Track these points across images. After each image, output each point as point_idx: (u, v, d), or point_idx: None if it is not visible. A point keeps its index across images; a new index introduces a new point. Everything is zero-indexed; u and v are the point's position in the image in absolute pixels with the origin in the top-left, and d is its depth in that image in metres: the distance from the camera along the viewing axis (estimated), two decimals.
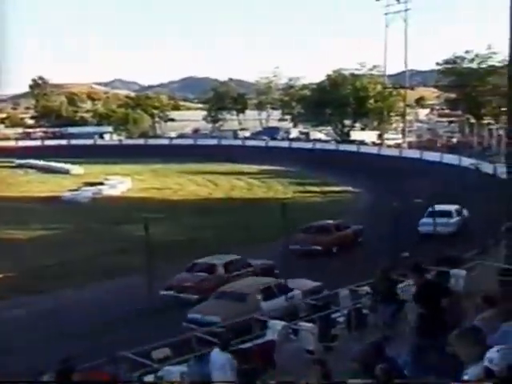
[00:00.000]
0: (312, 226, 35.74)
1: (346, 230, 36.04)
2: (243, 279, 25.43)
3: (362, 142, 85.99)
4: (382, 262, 20.62)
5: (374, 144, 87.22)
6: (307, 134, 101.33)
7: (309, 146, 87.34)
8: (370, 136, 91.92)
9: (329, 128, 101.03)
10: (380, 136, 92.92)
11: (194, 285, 26.46)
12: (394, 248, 26.71)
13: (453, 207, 37.45)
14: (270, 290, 23.53)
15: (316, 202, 53.09)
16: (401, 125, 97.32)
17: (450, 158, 63.19)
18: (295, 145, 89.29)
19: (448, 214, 36.57)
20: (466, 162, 57.56)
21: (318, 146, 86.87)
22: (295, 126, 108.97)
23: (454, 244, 29.75)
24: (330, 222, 36.96)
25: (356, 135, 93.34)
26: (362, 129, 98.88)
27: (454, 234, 35.01)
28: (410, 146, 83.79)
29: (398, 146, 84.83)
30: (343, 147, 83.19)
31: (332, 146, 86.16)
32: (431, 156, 67.80)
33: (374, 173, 56.14)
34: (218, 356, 12.58)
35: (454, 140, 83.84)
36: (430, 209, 35.36)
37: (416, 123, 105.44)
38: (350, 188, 59.65)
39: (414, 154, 72.38)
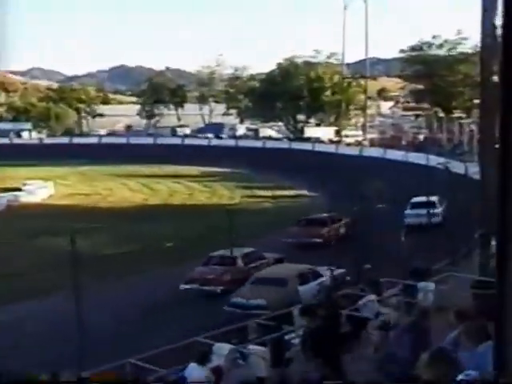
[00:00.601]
0: (307, 219, 40.70)
1: (339, 223, 39.27)
2: (275, 266, 30.40)
3: (317, 140, 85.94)
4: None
5: (331, 142, 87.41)
6: (256, 130, 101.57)
7: (258, 144, 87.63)
8: (326, 133, 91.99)
9: (280, 124, 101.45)
10: (338, 133, 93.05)
11: (217, 277, 30.26)
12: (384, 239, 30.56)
13: (435, 198, 41.14)
14: (305, 275, 27.66)
15: (266, 208, 53.10)
16: (361, 120, 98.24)
17: (417, 157, 63.45)
18: (242, 143, 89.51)
19: (432, 204, 40.44)
20: (435, 161, 57.72)
21: (269, 144, 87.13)
22: (242, 121, 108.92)
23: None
24: (324, 214, 40.28)
25: (311, 132, 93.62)
26: (318, 124, 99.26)
27: (440, 224, 37.81)
28: (372, 143, 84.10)
29: (358, 143, 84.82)
30: (297, 145, 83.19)
31: (284, 145, 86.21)
32: (395, 155, 68.16)
33: (332, 174, 56.23)
34: (194, 371, 12.82)
35: (421, 136, 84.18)
36: (412, 200, 41.74)
37: (378, 118, 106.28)
38: (304, 192, 59.64)
39: (376, 152, 72.69)
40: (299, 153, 76.88)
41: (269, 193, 60.23)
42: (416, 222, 38.60)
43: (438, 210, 40.19)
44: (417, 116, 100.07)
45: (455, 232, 29.69)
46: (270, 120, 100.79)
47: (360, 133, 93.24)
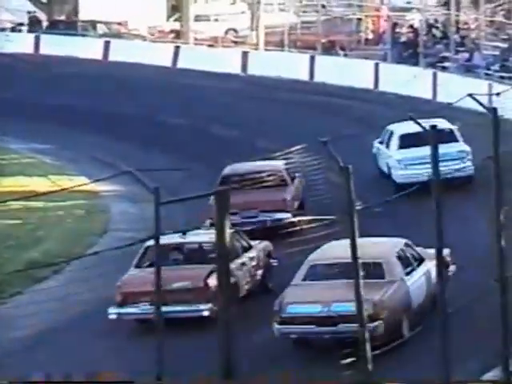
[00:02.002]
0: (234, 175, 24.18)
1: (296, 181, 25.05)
2: (336, 243, 17.38)
3: (113, 32, 50.36)
4: None
5: (154, 36, 50.93)
6: None
7: None
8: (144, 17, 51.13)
9: None
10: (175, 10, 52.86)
11: (197, 284, 18.10)
12: None
13: (448, 124, 25.22)
14: (405, 257, 17.47)
15: None
16: None
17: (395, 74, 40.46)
18: None
19: (450, 135, 24.82)
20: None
21: None
22: None
23: None
24: (278, 164, 25.15)
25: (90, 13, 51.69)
26: None
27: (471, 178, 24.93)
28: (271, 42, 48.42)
29: (234, 42, 50.71)
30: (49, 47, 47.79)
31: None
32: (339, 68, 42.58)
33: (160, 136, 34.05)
34: None
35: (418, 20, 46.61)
36: (395, 131, 25.95)
37: None
38: (82, 179, 29.65)
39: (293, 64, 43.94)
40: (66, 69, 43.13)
41: None
42: (414, 179, 22.52)
43: (463, 146, 25.17)
44: None
45: None
46: None
47: (242, 14, 53.45)
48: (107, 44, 47.09)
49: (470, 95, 17.51)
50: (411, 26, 47.75)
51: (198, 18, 51.02)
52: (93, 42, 48.41)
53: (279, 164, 25.08)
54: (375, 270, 16.43)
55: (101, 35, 49.83)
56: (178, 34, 50.37)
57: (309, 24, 49.60)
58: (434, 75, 38.91)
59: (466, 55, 42.08)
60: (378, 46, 48.89)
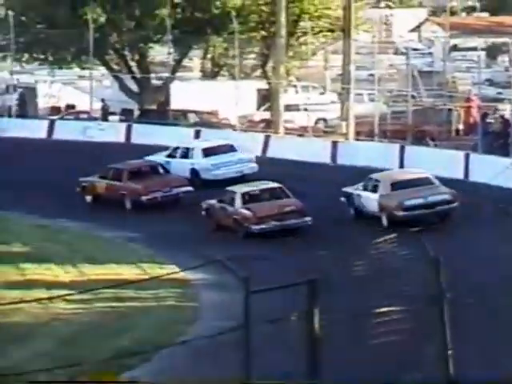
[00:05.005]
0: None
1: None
2: (398, 170, 37.25)
3: (198, 121, 50.99)
4: None
5: (245, 126, 50.67)
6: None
7: None
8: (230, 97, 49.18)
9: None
10: (266, 100, 53.14)
11: (300, 207, 32.32)
12: None
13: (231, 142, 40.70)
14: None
15: None
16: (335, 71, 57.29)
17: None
18: None
19: (233, 148, 39.90)
20: None
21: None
22: None
23: None
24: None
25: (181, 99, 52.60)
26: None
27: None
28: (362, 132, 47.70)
29: (323, 131, 50.50)
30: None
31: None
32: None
33: None
34: None
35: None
36: (194, 146, 40.86)
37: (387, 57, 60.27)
38: (173, 267, 30.63)
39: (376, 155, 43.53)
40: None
41: None
42: (226, 176, 37.88)
43: (242, 155, 39.27)
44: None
45: None
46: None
47: (332, 104, 52.83)
48: (198, 133, 47.48)
49: None
50: (502, 117, 47.61)
51: (288, 108, 50.89)
52: (183, 131, 48.68)
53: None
54: (430, 181, 32.19)
55: (191, 124, 50.39)
56: (268, 124, 50.51)
57: (399, 114, 49.52)
58: None
59: None
60: (468, 136, 48.40)
